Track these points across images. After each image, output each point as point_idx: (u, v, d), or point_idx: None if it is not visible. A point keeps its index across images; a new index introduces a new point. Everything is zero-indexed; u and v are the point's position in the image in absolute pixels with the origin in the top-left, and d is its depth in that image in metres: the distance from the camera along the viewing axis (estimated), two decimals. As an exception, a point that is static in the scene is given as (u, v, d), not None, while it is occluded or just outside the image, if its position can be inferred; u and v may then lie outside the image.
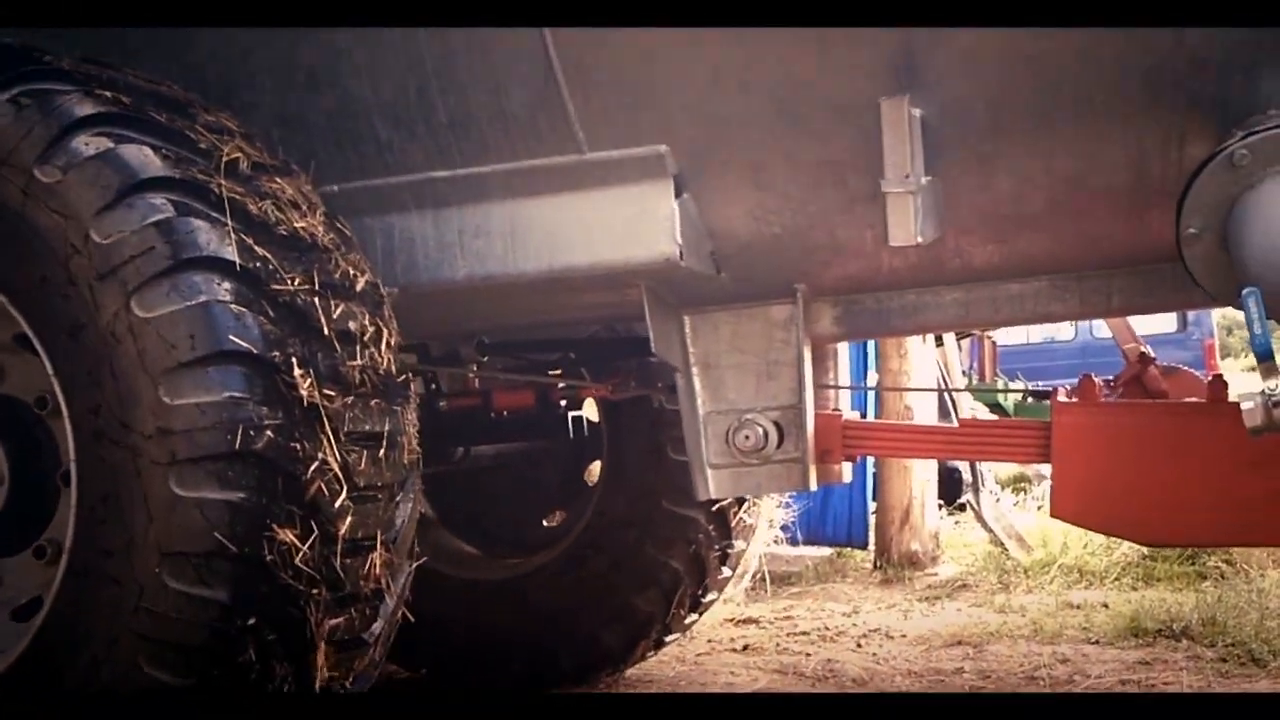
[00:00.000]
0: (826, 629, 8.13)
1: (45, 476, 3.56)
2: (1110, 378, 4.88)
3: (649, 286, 4.14)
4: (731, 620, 8.47)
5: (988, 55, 3.58)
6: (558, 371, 5.60)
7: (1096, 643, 7.31)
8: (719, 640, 7.83)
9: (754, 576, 9.54)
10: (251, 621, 3.05)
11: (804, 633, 8.06)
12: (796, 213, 3.93)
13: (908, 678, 6.66)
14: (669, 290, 4.24)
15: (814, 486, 4.36)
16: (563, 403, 5.74)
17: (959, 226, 3.92)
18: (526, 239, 3.93)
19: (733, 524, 5.83)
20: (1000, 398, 15.08)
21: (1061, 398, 4.40)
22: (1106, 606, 8.37)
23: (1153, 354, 4.94)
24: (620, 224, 3.86)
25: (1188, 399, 4.60)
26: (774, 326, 4.31)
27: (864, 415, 9.24)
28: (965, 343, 15.43)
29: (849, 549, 10.89)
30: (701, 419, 4.38)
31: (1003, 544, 10.25)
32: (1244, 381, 9.16)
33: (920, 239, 3.61)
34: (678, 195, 3.85)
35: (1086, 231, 3.96)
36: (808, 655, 7.29)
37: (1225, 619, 7.20)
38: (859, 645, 7.52)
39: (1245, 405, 3.30)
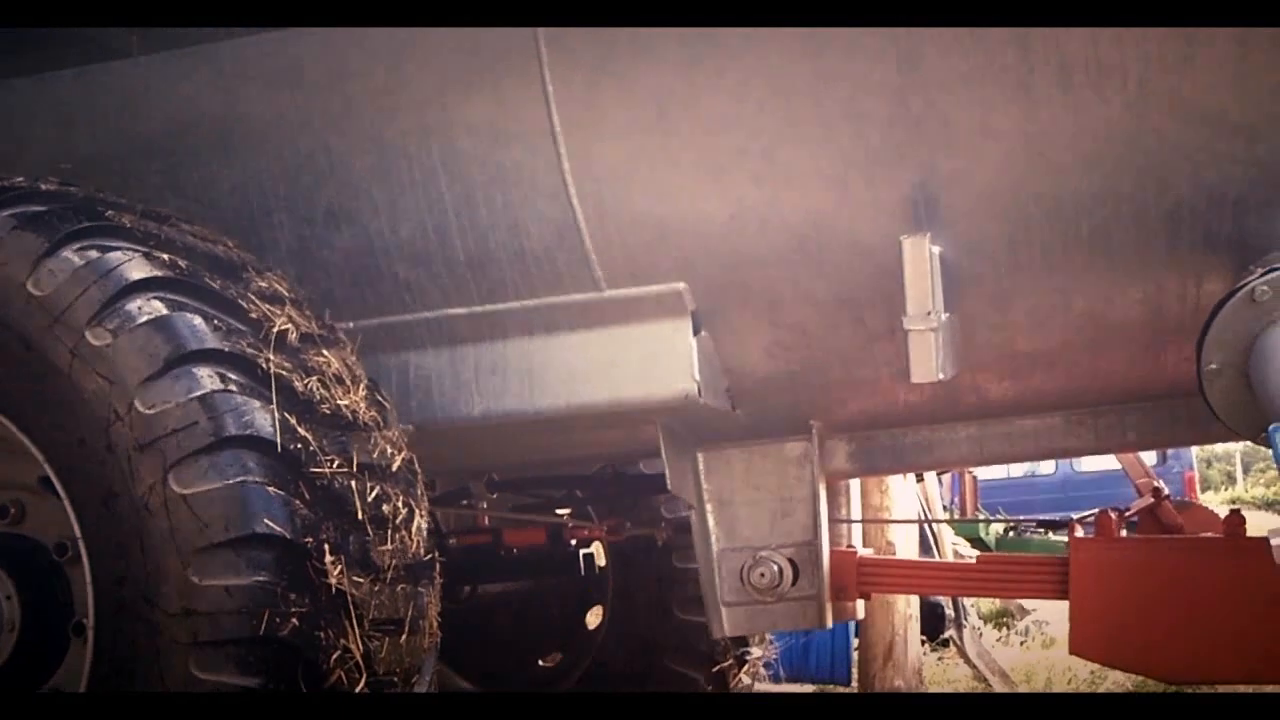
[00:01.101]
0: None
1: (57, 624, 3.49)
2: (1125, 508, 4.88)
3: (664, 424, 4.12)
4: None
5: (1005, 195, 3.61)
6: (566, 510, 5.56)
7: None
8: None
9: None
10: None
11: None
12: (814, 350, 3.93)
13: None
14: (684, 427, 4.22)
15: (829, 624, 4.32)
16: (573, 541, 5.69)
17: (975, 363, 3.92)
18: (544, 376, 3.92)
19: (732, 685, 5.77)
20: (981, 532, 15.06)
21: (1078, 533, 4.38)
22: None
23: (1166, 489, 4.95)
24: (638, 361, 3.85)
25: (1204, 533, 4.59)
26: (788, 463, 4.30)
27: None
28: (946, 477, 15.45)
29: (832, 685, 10.79)
30: (716, 556, 4.35)
31: (986, 680, 10.17)
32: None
33: (942, 375, 3.61)
34: (695, 332, 3.85)
35: (1102, 368, 3.98)
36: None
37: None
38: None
39: (1275, 541, 3.28)
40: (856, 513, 4.96)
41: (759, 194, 3.68)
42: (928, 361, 3.60)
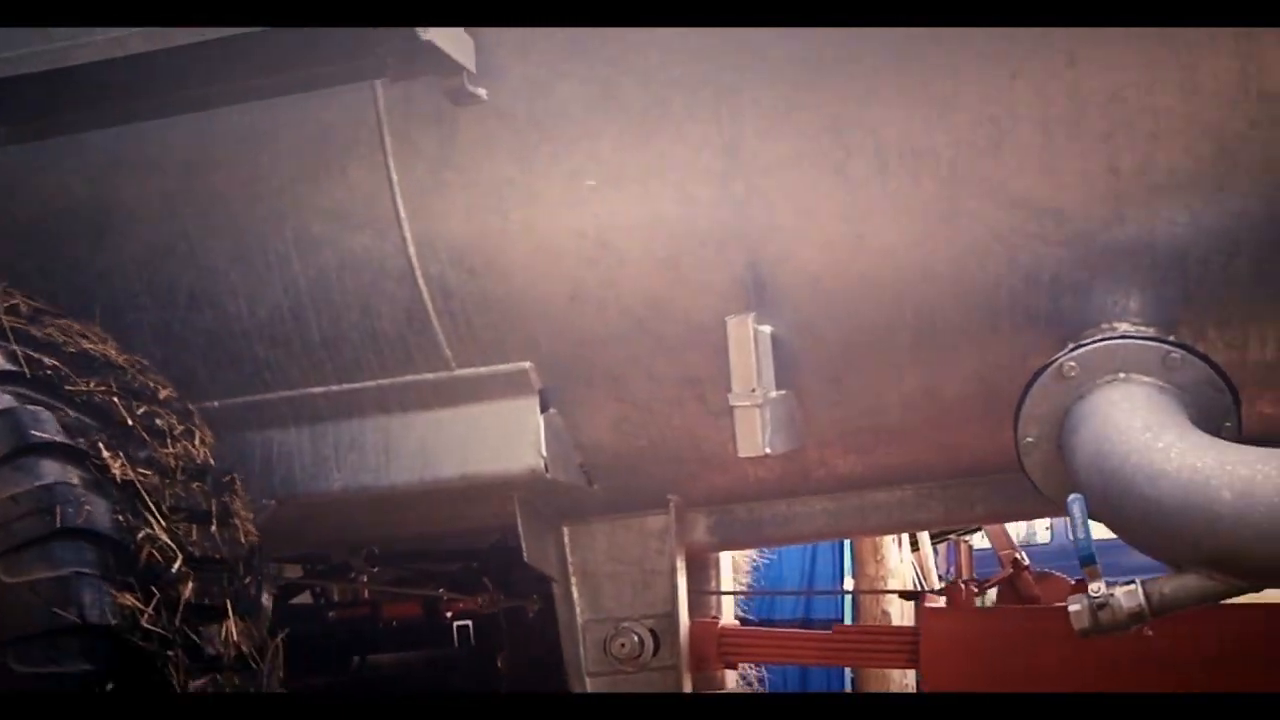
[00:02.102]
0: None
1: None
2: (983, 580, 4.98)
3: (521, 498, 4.24)
4: None
5: (830, 275, 3.75)
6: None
7: None
8: None
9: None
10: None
11: None
12: (661, 427, 4.05)
13: None
14: (545, 501, 4.33)
15: (688, 690, 4.42)
16: (449, 613, 5.79)
17: (819, 438, 4.04)
18: (399, 452, 4.05)
19: None
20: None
21: (929, 604, 4.49)
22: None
23: (1027, 560, 5.05)
24: (489, 438, 3.99)
25: (1058, 604, 4.66)
26: (650, 536, 4.41)
27: (842, 619, 9.28)
28: (942, 546, 15.46)
29: None
30: (580, 627, 4.45)
31: None
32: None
33: (769, 450, 3.73)
34: (544, 409, 3.98)
35: (944, 443, 4.08)
36: None
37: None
38: None
39: (1072, 608, 3.39)
40: (727, 584, 5.07)
41: (595, 276, 3.83)
42: (753, 436, 3.72)
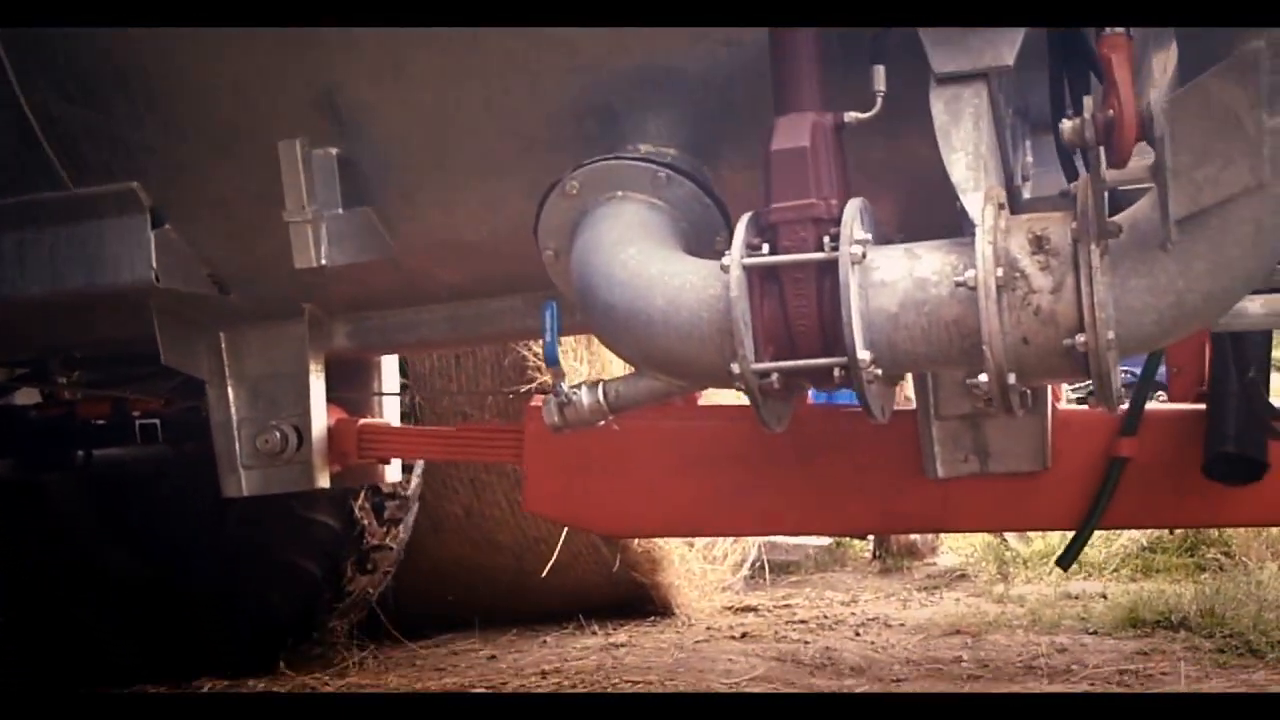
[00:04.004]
0: (825, 617, 8.42)
1: None
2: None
3: (159, 305, 4.66)
4: (730, 608, 8.82)
5: (379, 104, 4.08)
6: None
7: (1095, 633, 7.56)
8: (718, 628, 8.13)
9: (753, 565, 9.81)
10: None
11: (802, 621, 8.36)
12: (269, 241, 4.37)
13: (905, 666, 6.89)
14: (193, 309, 4.74)
15: (324, 484, 4.86)
16: (135, 412, 6.30)
17: (410, 250, 4.37)
18: (34, 265, 4.46)
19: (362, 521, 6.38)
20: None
21: (536, 403, 4.89)
22: (1105, 597, 8.60)
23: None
24: (106, 252, 4.39)
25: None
26: (294, 341, 4.79)
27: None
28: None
29: (848, 538, 11.01)
30: (235, 425, 4.88)
31: (1001, 534, 10.28)
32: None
33: (325, 262, 4.11)
34: (157, 225, 4.37)
35: (524, 255, 4.34)
36: (806, 643, 7.54)
37: (1223, 610, 7.43)
38: (857, 634, 7.81)
39: (544, 407, 3.77)
40: (391, 386, 5.50)
41: (176, 103, 4.19)
42: (306, 250, 4.11)
